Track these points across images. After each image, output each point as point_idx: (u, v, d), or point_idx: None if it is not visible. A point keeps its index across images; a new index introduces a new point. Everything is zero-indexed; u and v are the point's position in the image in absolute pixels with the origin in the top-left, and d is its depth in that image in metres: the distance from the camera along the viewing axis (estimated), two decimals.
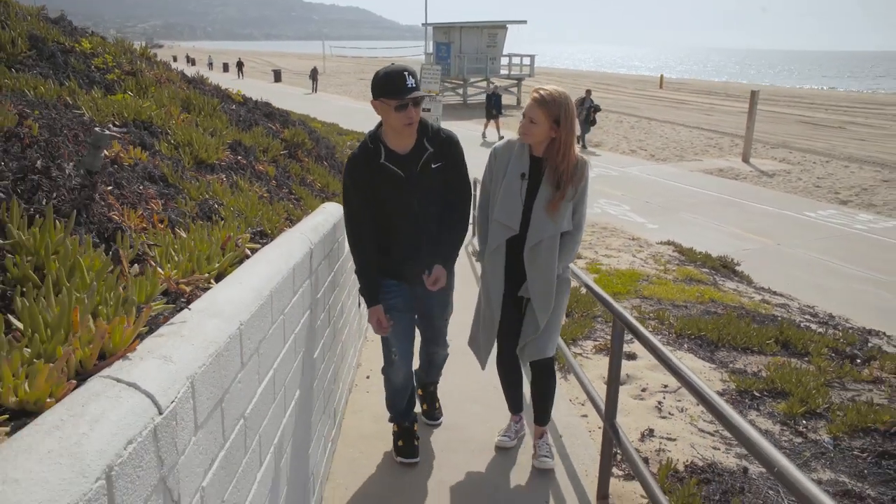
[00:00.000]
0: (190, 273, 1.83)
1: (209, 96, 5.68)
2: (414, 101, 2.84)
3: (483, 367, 3.48)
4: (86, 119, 3.82)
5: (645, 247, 10.03)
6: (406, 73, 2.84)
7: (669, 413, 4.10)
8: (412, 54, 72.76)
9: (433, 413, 3.91)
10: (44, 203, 1.86)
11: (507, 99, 35.48)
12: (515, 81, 35.48)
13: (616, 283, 7.16)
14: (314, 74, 41.36)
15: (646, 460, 3.49)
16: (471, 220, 9.51)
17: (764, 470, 3.41)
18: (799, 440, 3.79)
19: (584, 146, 21.21)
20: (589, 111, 20.61)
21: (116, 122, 4.09)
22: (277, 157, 5.30)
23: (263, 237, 2.73)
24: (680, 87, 53.83)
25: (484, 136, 21.43)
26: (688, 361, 4.92)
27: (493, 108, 21.57)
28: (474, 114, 30.41)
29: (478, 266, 7.80)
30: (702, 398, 2.04)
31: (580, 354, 5.10)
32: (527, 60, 36.03)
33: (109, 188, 2.40)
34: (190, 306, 1.52)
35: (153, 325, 1.41)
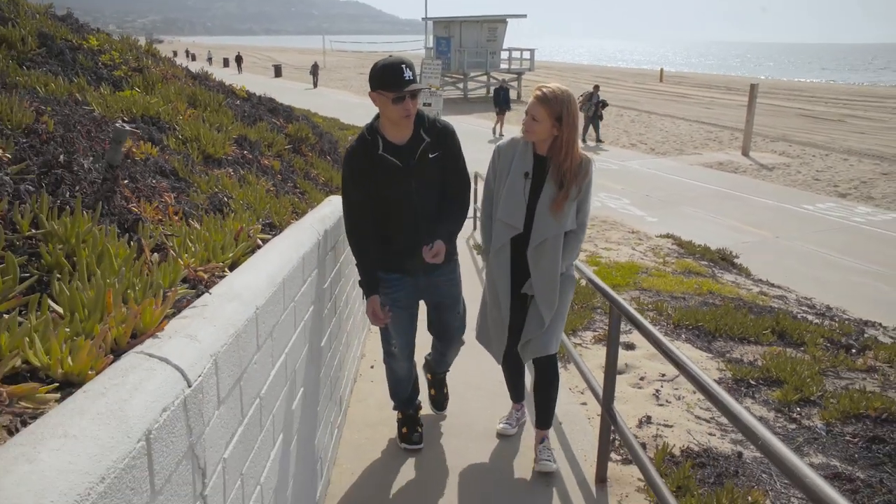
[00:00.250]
0: (206, 261, 1.93)
1: (214, 92, 5.78)
2: (411, 94, 2.86)
3: (500, 362, 3.46)
4: (96, 115, 3.92)
5: (644, 240, 10.13)
6: (404, 66, 2.85)
7: (667, 401, 4.20)
8: (412, 49, 72.71)
9: (440, 401, 3.94)
10: (67, 195, 1.96)
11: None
12: (515, 76, 35.51)
13: (615, 276, 7.25)
14: (315, 70, 41.38)
15: (643, 446, 3.59)
16: (472, 214, 9.65)
17: (758, 454, 3.52)
18: (793, 426, 3.89)
19: (598, 140, 21.11)
20: (597, 107, 20.46)
21: (125, 118, 4.18)
22: (282, 152, 5.39)
23: (272, 229, 2.83)
24: (680, 80, 53.82)
25: (496, 132, 21.47)
26: (685, 351, 5.01)
27: (501, 102, 21.55)
28: (475, 108, 30.47)
29: (479, 259, 7.90)
30: (686, 373, 2.14)
31: (580, 345, 5.20)
32: (527, 55, 36.07)
33: (125, 182, 2.49)
34: (210, 291, 1.62)
35: (177, 308, 1.50)
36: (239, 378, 1.55)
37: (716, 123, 26.58)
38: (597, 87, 21.19)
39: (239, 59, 54.48)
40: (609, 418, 3.11)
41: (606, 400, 3.14)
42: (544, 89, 3.00)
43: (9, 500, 0.75)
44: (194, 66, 7.29)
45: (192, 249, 1.94)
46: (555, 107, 2.95)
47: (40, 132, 2.70)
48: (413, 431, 3.61)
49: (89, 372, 1.12)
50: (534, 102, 3.00)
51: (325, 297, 2.98)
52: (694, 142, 22.26)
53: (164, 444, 1.09)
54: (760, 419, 3.91)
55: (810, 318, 6.76)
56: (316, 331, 2.74)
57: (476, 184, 9.44)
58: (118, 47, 5.85)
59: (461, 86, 35.66)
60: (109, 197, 1.95)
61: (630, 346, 5.13)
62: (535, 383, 3.46)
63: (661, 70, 57.02)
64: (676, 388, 4.37)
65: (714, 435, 3.77)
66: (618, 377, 4.51)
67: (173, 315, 1.44)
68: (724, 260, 9.39)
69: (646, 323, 2.66)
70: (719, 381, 4.47)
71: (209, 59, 61.06)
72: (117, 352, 1.22)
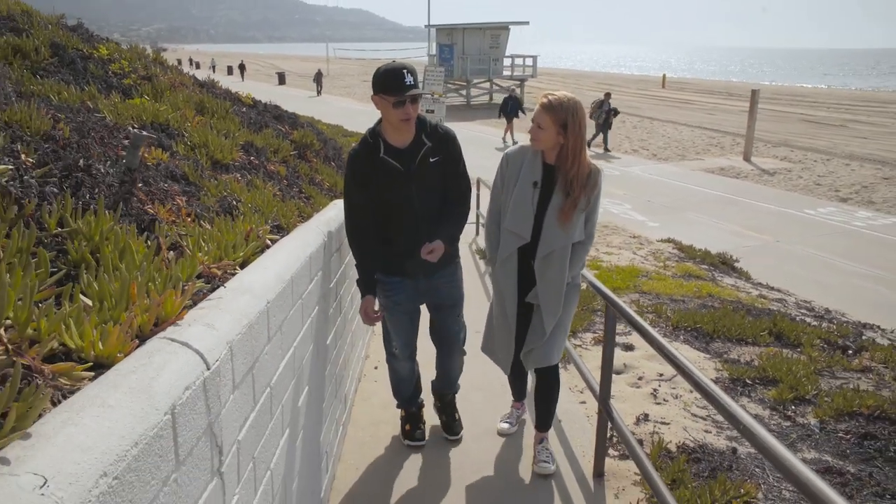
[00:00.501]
0: (219, 259, 2.03)
1: (221, 100, 5.90)
2: (412, 99, 2.91)
3: (507, 372, 3.48)
4: (108, 122, 4.04)
5: (645, 244, 10.22)
6: (405, 71, 2.90)
7: (664, 399, 4.29)
8: (415, 56, 72.97)
9: (453, 426, 3.78)
10: (87, 197, 2.07)
11: None
12: (518, 82, 35.68)
13: (616, 279, 7.35)
14: (318, 77, 41.55)
15: (640, 442, 3.68)
16: (474, 220, 9.75)
17: (753, 450, 3.61)
18: (787, 424, 3.98)
19: (605, 148, 20.92)
20: (608, 114, 20.25)
21: (135, 126, 4.30)
22: (287, 158, 5.51)
23: (280, 230, 2.94)
24: (682, 86, 53.96)
25: (508, 141, 21.58)
26: (683, 352, 5.10)
27: (509, 111, 21.59)
28: (477, 114, 30.62)
29: (481, 264, 8.01)
30: (677, 366, 2.24)
31: (580, 346, 5.29)
32: (529, 61, 36.29)
33: (140, 185, 2.61)
34: (224, 285, 1.73)
35: (194, 300, 1.61)
36: (251, 367, 1.66)
37: (718, 129, 26.68)
38: (608, 95, 20.93)
39: (242, 67, 54.81)
40: (606, 414, 3.20)
41: (603, 396, 3.23)
42: (550, 97, 2.98)
43: (61, 454, 0.86)
44: (198, 75, 7.42)
45: (206, 248, 2.05)
46: (560, 114, 2.93)
47: (58, 138, 2.82)
48: (416, 428, 3.70)
49: (118, 355, 1.23)
50: (539, 110, 3.00)
51: (330, 296, 3.09)
52: (696, 147, 22.36)
53: (186, 419, 1.20)
54: (755, 417, 4.01)
55: (809, 320, 6.83)
56: (322, 329, 2.85)
57: (478, 189, 9.57)
58: (127, 56, 5.98)
59: (464, 92, 35.84)
60: (128, 198, 2.07)
61: (629, 347, 5.22)
62: (536, 387, 3.49)
63: (664, 76, 57.18)
64: (674, 388, 4.46)
65: (710, 432, 3.86)
66: (617, 377, 4.63)
67: (191, 306, 1.55)
68: (725, 264, 9.47)
69: (639, 319, 2.75)
70: (716, 381, 4.56)
71: (213, 67, 61.37)
72: (142, 337, 1.33)
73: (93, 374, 1.15)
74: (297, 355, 2.26)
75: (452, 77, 34.55)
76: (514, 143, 20.37)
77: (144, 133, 2.10)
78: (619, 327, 5.59)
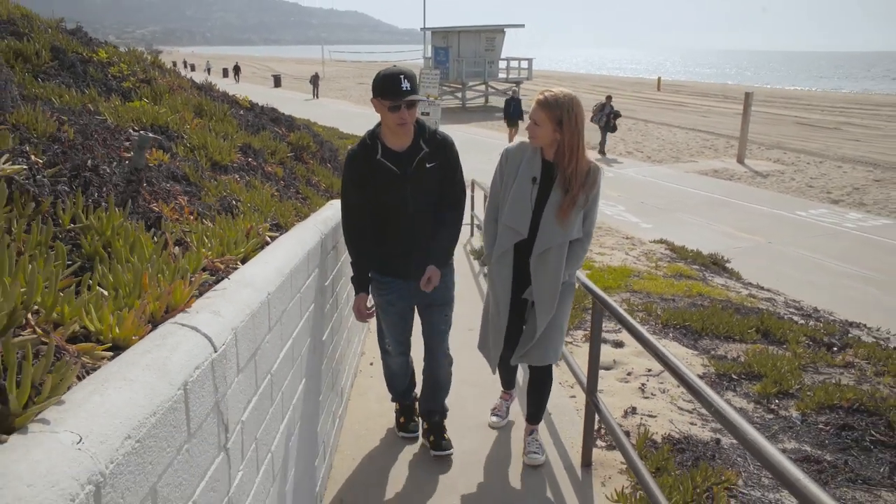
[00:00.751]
0: (221, 255, 2.15)
1: (219, 102, 6.01)
2: (407, 104, 2.96)
3: (494, 369, 3.53)
4: (109, 125, 4.15)
5: (638, 245, 10.36)
6: (402, 77, 2.95)
7: (652, 394, 4.41)
8: (411, 58, 73.15)
9: (440, 443, 3.63)
10: (96, 196, 2.19)
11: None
12: (514, 85, 35.84)
13: (608, 279, 7.47)
14: (315, 80, 41.44)
15: (627, 433, 3.80)
16: (471, 222, 9.87)
17: (735, 441, 3.73)
18: (770, 416, 4.11)
19: (602, 153, 20.77)
20: (609, 117, 20.14)
21: (135, 128, 4.41)
22: (284, 160, 5.62)
23: (279, 229, 3.05)
24: (678, 89, 54.22)
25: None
26: (672, 349, 5.23)
27: (512, 113, 21.52)
28: (473, 117, 30.78)
29: (476, 265, 8.13)
30: (654, 353, 2.36)
31: (571, 343, 5.41)
32: (525, 64, 36.47)
33: (144, 185, 2.72)
34: (228, 277, 1.84)
35: (200, 291, 1.72)
36: (254, 353, 1.77)
37: (712, 132, 26.87)
38: (609, 98, 20.84)
39: (237, 70, 54.84)
40: (593, 406, 3.32)
41: (590, 389, 3.35)
42: (546, 93, 3.00)
43: (91, 418, 0.97)
44: (193, 77, 7.52)
45: (209, 244, 2.17)
46: (555, 111, 2.94)
47: (63, 140, 2.93)
48: (410, 421, 3.82)
49: (133, 337, 1.34)
50: (535, 107, 3.01)
51: (327, 293, 3.20)
52: (690, 150, 22.53)
53: (196, 395, 1.31)
54: (739, 410, 4.13)
55: (797, 319, 6.97)
56: (318, 324, 2.96)
57: (472, 191, 9.70)
58: (126, 60, 6.08)
59: (459, 95, 35.99)
60: (135, 197, 2.18)
61: (619, 344, 5.34)
62: (529, 381, 3.56)
63: (659, 79, 57.43)
64: (662, 383, 4.59)
65: (695, 424, 3.98)
66: (606, 373, 4.76)
67: (198, 296, 1.66)
68: (716, 264, 9.61)
69: (623, 313, 2.87)
70: (703, 376, 4.68)
71: (208, 70, 61.23)
72: (154, 323, 1.44)
73: (111, 354, 1.27)
74: (295, 346, 2.37)
75: (448, 80, 34.71)
76: None
77: (150, 135, 2.22)
78: (610, 325, 5.71)
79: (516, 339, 3.32)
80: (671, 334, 5.65)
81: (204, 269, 1.96)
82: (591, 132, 21.00)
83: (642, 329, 2.75)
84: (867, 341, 6.09)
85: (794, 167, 19.41)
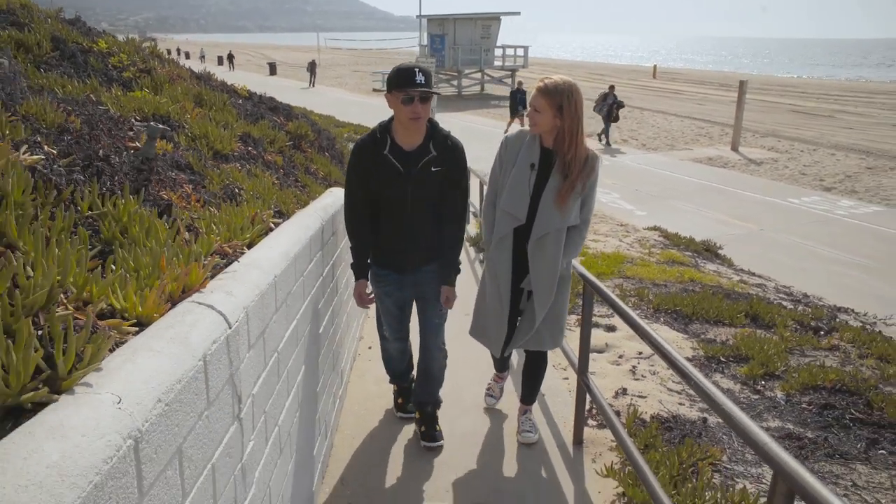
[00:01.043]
0: (229, 240, 2.26)
1: (218, 92, 6.10)
2: (421, 98, 2.95)
3: (498, 355, 3.56)
4: (113, 115, 4.24)
5: (632, 232, 10.49)
6: (416, 70, 2.95)
7: (642, 375, 4.55)
8: (407, 46, 72.91)
9: (432, 434, 3.67)
10: (108, 184, 2.29)
11: (500, 90, 35.98)
12: (509, 73, 35.87)
13: (601, 265, 7.60)
14: (312, 68, 40.93)
15: (618, 413, 3.94)
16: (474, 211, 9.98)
17: (721, 420, 3.87)
18: (756, 397, 4.25)
19: (607, 143, 20.58)
20: (612, 107, 19.99)
21: (137, 117, 4.50)
22: (283, 148, 5.72)
23: (281, 216, 3.16)
24: (673, 76, 54.25)
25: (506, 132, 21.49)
26: (663, 333, 5.37)
27: (518, 104, 21.37)
28: (469, 105, 30.81)
29: (471, 251, 8.25)
30: (645, 337, 2.48)
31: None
32: (520, 52, 36.46)
33: (155, 174, 2.82)
34: (238, 260, 1.96)
35: (212, 273, 1.84)
36: (262, 332, 1.89)
37: (707, 119, 26.98)
38: (612, 88, 20.66)
39: (231, 58, 54.54)
40: (584, 386, 3.45)
41: (581, 369, 3.48)
42: (546, 80, 3.04)
43: (127, 383, 1.09)
44: (187, 65, 7.58)
45: (216, 230, 2.28)
46: (555, 97, 2.98)
47: (71, 130, 3.03)
48: (408, 402, 3.94)
49: (154, 315, 1.46)
50: (535, 94, 3.05)
51: (327, 277, 3.32)
52: (685, 137, 22.64)
53: (214, 367, 1.43)
54: (726, 391, 4.28)
55: (786, 304, 7.11)
56: (320, 306, 3.08)
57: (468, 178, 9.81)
58: (126, 50, 6.15)
59: (455, 83, 35.98)
60: (146, 185, 2.29)
61: (611, 329, 5.48)
62: (525, 364, 3.66)
63: (655, 66, 57.40)
64: (652, 365, 4.72)
65: (683, 404, 4.12)
66: (599, 356, 4.89)
67: (211, 277, 1.78)
68: (708, 251, 9.74)
69: (612, 296, 3.00)
70: (692, 359, 4.82)
71: (202, 58, 60.88)
72: (173, 301, 1.56)
73: (136, 329, 1.38)
74: (299, 327, 2.49)
75: (444, 68, 34.70)
76: None
77: (161, 126, 2.32)
78: (603, 310, 5.85)
79: (512, 328, 3.39)
80: (662, 319, 5.78)
81: (214, 253, 2.07)
82: (593, 121, 21.10)
83: (631, 311, 2.88)
84: (854, 326, 6.23)
85: (788, 155, 19.55)
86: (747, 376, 4.52)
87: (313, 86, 39.85)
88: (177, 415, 1.20)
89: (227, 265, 1.96)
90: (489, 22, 35.64)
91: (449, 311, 3.52)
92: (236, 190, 3.42)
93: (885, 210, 13.40)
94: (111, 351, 1.26)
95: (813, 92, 41.17)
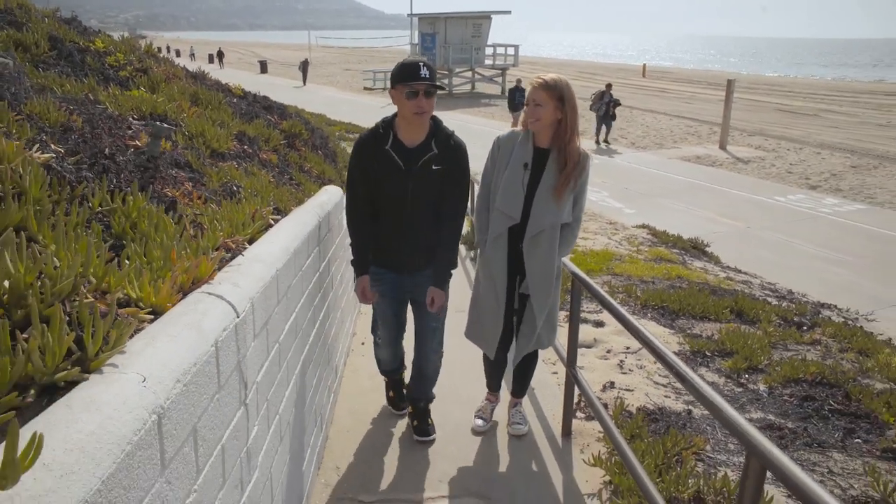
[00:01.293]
0: (231, 235, 2.35)
1: (214, 91, 6.17)
2: (426, 92, 2.95)
3: (492, 356, 3.58)
4: (111, 114, 4.31)
5: (620, 230, 10.63)
6: (421, 64, 2.97)
7: (629, 369, 4.67)
8: (398, 44, 72.88)
9: (425, 428, 3.73)
10: (115, 181, 2.38)
11: (491, 89, 36.11)
12: (499, 71, 36.01)
13: (590, 262, 7.73)
14: (305, 66, 40.30)
15: (605, 406, 4.05)
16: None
17: (706, 412, 3.99)
18: (739, 389, 4.38)
19: (606, 142, 20.52)
20: (608, 106, 19.96)
21: (135, 116, 4.57)
22: (278, 147, 5.80)
23: (279, 213, 3.25)
24: (663, 75, 54.53)
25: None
26: (650, 328, 5.49)
27: (517, 103, 21.14)
28: (459, 103, 30.89)
29: (463, 249, 8.35)
30: (632, 330, 2.59)
31: None
32: (511, 50, 36.59)
33: (159, 172, 2.91)
34: (242, 254, 2.05)
35: (219, 266, 1.93)
36: (266, 322, 1.98)
37: (695, 118, 27.20)
38: (609, 86, 20.64)
39: (220, 55, 54.33)
40: (572, 378, 3.56)
41: (570, 362, 3.59)
42: (543, 77, 3.11)
43: (149, 364, 1.19)
44: (178, 62, 7.64)
45: (219, 226, 2.37)
46: (555, 90, 3.05)
47: (74, 129, 3.11)
48: (399, 395, 3.99)
49: (167, 304, 1.55)
50: (535, 89, 3.10)
51: (324, 272, 3.41)
52: (673, 136, 22.83)
53: (224, 353, 1.52)
54: (711, 384, 4.40)
55: (771, 300, 7.26)
56: (316, 301, 3.17)
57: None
58: (122, 49, 6.21)
59: (446, 81, 36.06)
60: (151, 182, 2.38)
61: (599, 324, 5.60)
62: (515, 363, 3.67)
63: (644, 65, 57.70)
64: (639, 359, 4.84)
65: (669, 397, 4.24)
66: (587, 351, 5.01)
67: (218, 270, 1.87)
68: (696, 248, 9.89)
69: (599, 290, 3.11)
70: (678, 353, 4.95)
71: (192, 56, 60.55)
72: (184, 292, 1.65)
73: (151, 317, 1.48)
74: (298, 320, 2.58)
75: (435, 66, 34.74)
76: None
77: (166, 126, 2.41)
78: (592, 307, 5.97)
79: (509, 334, 3.45)
80: (649, 314, 5.91)
81: (218, 248, 2.17)
82: (583, 120, 21.14)
83: (619, 307, 2.98)
84: (836, 321, 6.38)
85: (775, 153, 19.76)
86: (731, 370, 4.65)
87: (305, 84, 39.78)
88: (193, 395, 1.30)
89: (231, 259, 2.06)
90: (480, 20, 35.76)
91: (443, 319, 3.52)
92: (234, 187, 3.50)
93: (868, 208, 13.61)
94: (131, 337, 1.35)
95: (799, 91, 41.53)
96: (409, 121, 3.06)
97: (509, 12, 37.87)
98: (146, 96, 4.96)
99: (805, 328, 5.86)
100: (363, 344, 5.04)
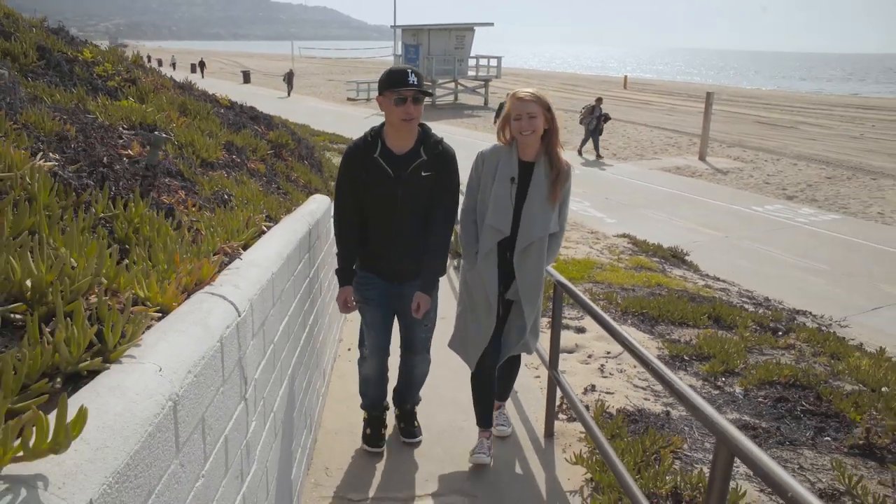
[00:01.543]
0: (227, 240, 2.45)
1: (202, 101, 6.25)
2: (414, 98, 2.98)
3: (472, 367, 3.53)
4: (102, 123, 4.38)
5: (602, 239, 10.80)
6: (409, 71, 3.00)
7: (610, 373, 4.80)
8: (381, 55, 73.11)
9: (411, 430, 3.78)
10: (114, 189, 2.47)
11: (473, 100, 36.38)
12: (482, 83, 36.33)
13: (572, 270, 7.88)
14: (289, 77, 39.55)
15: (587, 407, 4.17)
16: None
17: (684, 412, 4.13)
18: (716, 392, 4.52)
19: (599, 156, 20.45)
20: (598, 120, 20.06)
21: (125, 126, 4.64)
22: (265, 157, 5.88)
23: (270, 220, 3.35)
24: (644, 87, 55.23)
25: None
26: (630, 334, 5.62)
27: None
28: (442, 114, 31.10)
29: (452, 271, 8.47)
30: (611, 331, 2.72)
31: None
32: (493, 62, 36.93)
33: (157, 180, 2.99)
34: (240, 258, 2.15)
35: (218, 269, 2.03)
36: (263, 323, 2.08)
37: (676, 129, 27.61)
38: (599, 100, 20.72)
39: (202, 65, 54.23)
40: (555, 380, 3.68)
41: (552, 364, 3.71)
42: (527, 90, 3.17)
43: (163, 356, 1.28)
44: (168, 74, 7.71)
45: (216, 231, 2.46)
46: (544, 101, 3.16)
47: (68, 138, 3.19)
48: (377, 434, 3.72)
49: (173, 304, 1.65)
50: (524, 103, 3.13)
51: (313, 278, 3.51)
52: (654, 147, 23.17)
53: (228, 349, 1.62)
54: (689, 386, 4.54)
55: (748, 307, 7.44)
56: (307, 305, 3.27)
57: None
58: (110, 59, 6.28)
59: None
60: (149, 190, 2.47)
61: (581, 330, 5.73)
62: (499, 368, 3.67)
63: (625, 77, 58.40)
64: (619, 364, 4.98)
65: (648, 399, 4.37)
66: (569, 356, 5.13)
67: (218, 272, 1.97)
68: (675, 257, 10.08)
69: (581, 294, 3.23)
70: (657, 358, 5.08)
71: (173, 65, 60.14)
72: (188, 293, 1.75)
73: (159, 315, 1.57)
74: (290, 322, 2.68)
75: None
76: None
77: (164, 135, 2.50)
78: (573, 313, 6.10)
79: (496, 341, 3.44)
80: (630, 320, 6.05)
81: (217, 252, 2.26)
82: (570, 132, 21.38)
83: (601, 312, 3.09)
84: (810, 327, 6.57)
85: (753, 164, 20.13)
86: (708, 373, 4.79)
87: (290, 95, 39.67)
88: (201, 386, 1.40)
89: (229, 262, 2.15)
90: (463, 32, 36.08)
91: (432, 330, 3.57)
92: (226, 196, 3.59)
93: (842, 218, 13.93)
94: (143, 332, 1.45)
95: (778, 103, 42.28)
96: (397, 128, 3.09)
97: (492, 24, 38.25)
98: (135, 106, 5.03)
99: (780, 333, 6.03)
100: (349, 350, 5.13)
